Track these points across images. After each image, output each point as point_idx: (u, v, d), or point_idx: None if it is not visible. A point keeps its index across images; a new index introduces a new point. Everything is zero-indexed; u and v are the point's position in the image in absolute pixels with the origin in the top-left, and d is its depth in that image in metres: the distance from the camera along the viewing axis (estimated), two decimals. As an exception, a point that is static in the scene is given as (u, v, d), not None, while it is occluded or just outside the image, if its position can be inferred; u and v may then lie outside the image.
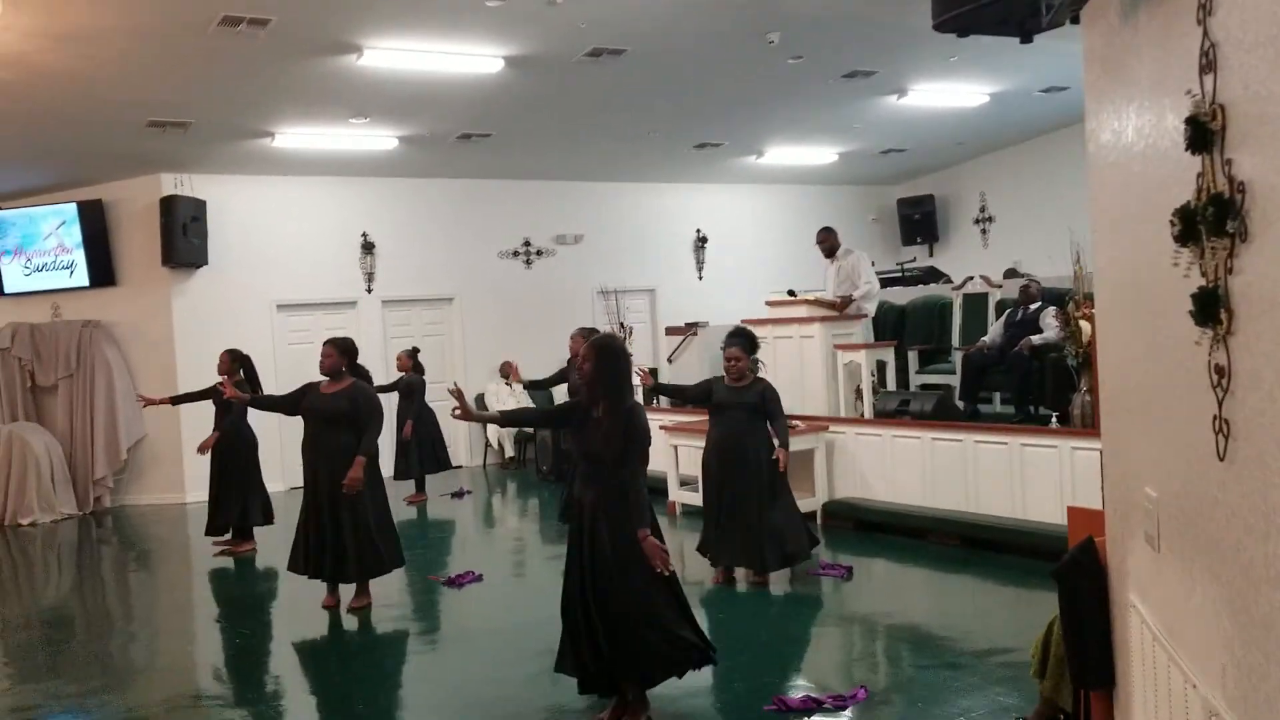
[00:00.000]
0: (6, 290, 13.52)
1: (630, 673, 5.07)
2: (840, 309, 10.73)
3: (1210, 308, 2.15)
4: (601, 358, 5.10)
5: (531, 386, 10.61)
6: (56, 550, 11.21)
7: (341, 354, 7.61)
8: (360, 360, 7.92)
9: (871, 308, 11.18)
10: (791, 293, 11.12)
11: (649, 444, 5.16)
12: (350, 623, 7.43)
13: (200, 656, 7.15)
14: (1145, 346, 2.84)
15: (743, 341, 7.73)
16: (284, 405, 7.90)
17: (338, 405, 7.46)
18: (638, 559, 4.99)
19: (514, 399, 14.70)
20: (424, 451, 12.26)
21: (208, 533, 10.03)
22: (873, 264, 11.78)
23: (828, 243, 11.28)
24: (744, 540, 7.61)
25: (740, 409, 7.63)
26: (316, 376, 7.80)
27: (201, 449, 9.89)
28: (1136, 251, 2.87)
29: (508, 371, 14.56)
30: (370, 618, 7.53)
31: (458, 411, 5.46)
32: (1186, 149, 2.20)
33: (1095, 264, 3.59)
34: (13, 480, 12.47)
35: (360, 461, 7.35)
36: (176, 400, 10.23)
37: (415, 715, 5.71)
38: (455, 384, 5.97)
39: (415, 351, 12.53)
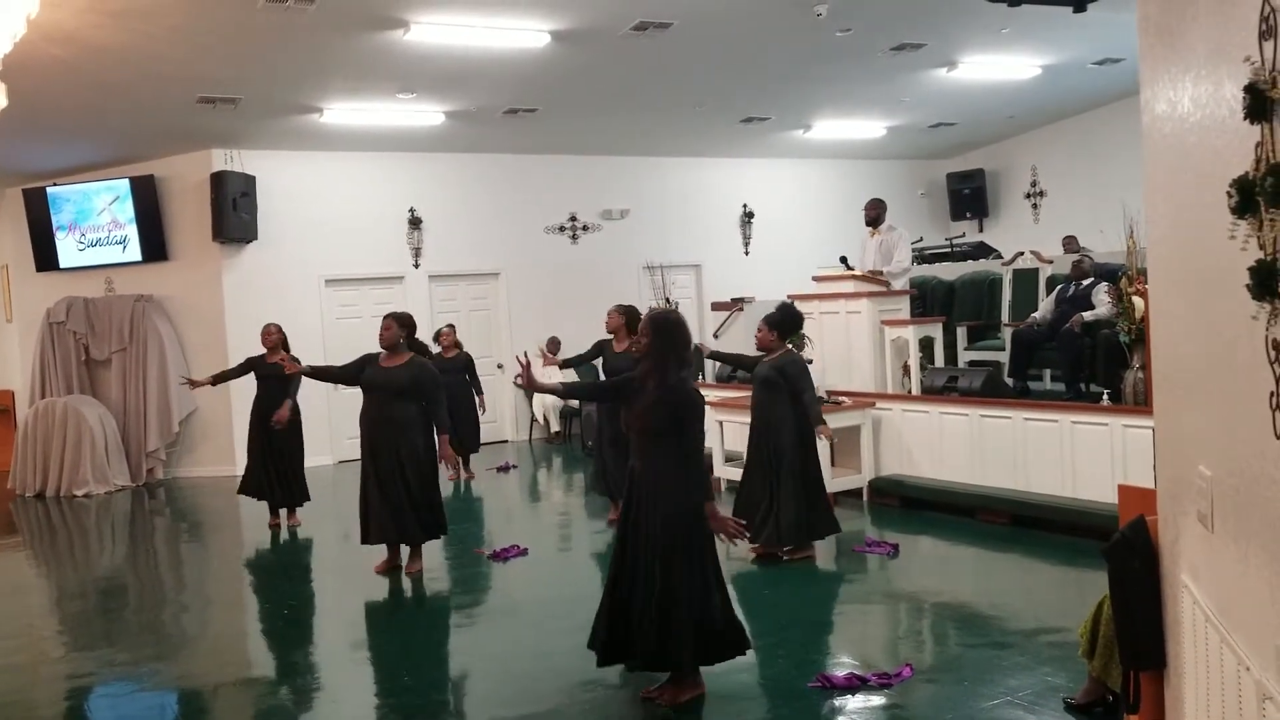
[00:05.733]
0: (61, 265, 13.71)
1: (660, 654, 5.02)
2: (875, 282, 10.63)
3: (1269, 281, 2.09)
4: (659, 333, 5.15)
5: (567, 365, 10.75)
6: (110, 521, 11.36)
7: (400, 327, 7.83)
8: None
9: (897, 284, 11.04)
10: (843, 259, 11.03)
11: (702, 416, 5.16)
12: (397, 594, 7.50)
13: (250, 626, 7.25)
14: (1200, 321, 2.78)
15: (769, 317, 7.89)
16: (344, 376, 8.12)
17: (399, 378, 7.71)
18: (683, 536, 4.99)
19: (560, 375, 14.71)
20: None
21: (289, 503, 10.02)
22: (914, 243, 11.66)
23: (874, 212, 11.17)
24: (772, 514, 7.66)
25: (759, 381, 7.80)
26: (367, 349, 8.04)
27: (277, 420, 9.55)
28: (1192, 224, 2.80)
29: (554, 347, 14.63)
30: (417, 589, 7.60)
31: (520, 380, 5.53)
32: (1245, 118, 2.14)
33: (1149, 237, 3.52)
34: (68, 452, 12.68)
35: (446, 439, 7.89)
36: (217, 380, 10.09)
37: (461, 686, 5.75)
38: (525, 354, 6.07)
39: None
